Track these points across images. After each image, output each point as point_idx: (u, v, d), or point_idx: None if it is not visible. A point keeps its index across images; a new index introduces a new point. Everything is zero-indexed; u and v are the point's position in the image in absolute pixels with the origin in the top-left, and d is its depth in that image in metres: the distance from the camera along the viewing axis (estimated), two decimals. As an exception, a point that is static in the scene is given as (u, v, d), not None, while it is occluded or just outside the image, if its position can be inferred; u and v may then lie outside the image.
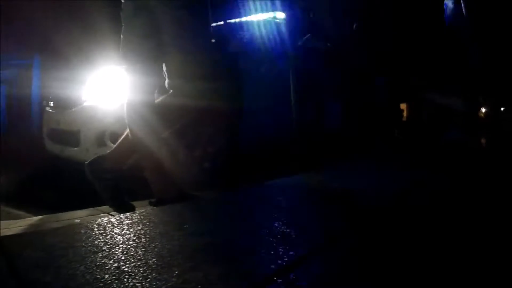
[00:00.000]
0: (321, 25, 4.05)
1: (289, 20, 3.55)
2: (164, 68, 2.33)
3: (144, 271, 1.15)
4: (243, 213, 1.94)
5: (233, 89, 2.97)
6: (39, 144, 4.13)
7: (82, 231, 1.54)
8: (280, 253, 1.30)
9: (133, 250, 1.32)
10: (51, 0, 6.18)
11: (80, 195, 2.57)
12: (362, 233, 1.57)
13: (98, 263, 1.21)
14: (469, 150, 3.50)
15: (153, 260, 1.24)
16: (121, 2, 2.33)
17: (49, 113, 4.02)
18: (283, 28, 3.54)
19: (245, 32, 3.50)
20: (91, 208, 2.50)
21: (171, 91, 2.31)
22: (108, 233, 1.51)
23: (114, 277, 1.11)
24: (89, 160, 2.36)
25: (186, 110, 2.31)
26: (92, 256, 1.27)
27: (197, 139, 3.06)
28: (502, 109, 3.76)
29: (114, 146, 2.50)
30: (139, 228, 1.58)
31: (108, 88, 3.42)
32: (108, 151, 2.47)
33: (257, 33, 3.48)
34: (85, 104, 3.54)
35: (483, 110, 3.71)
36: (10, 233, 1.98)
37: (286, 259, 1.24)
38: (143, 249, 1.33)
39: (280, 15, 3.62)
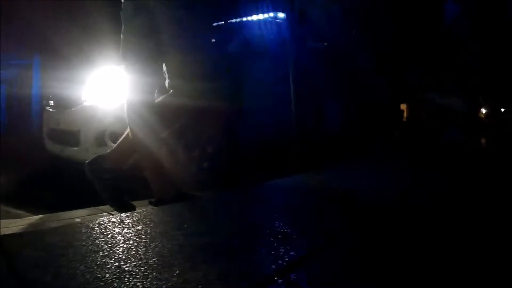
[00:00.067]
0: (321, 25, 4.06)
1: (289, 20, 3.55)
2: (164, 68, 2.33)
3: (145, 270, 1.15)
4: (243, 213, 1.94)
5: (233, 89, 2.97)
6: (39, 143, 4.13)
7: (83, 230, 1.54)
8: (281, 253, 1.30)
9: (133, 249, 1.33)
10: (51, 0, 6.19)
11: (80, 194, 2.57)
12: (362, 233, 1.57)
13: (98, 262, 1.22)
14: (469, 150, 3.50)
15: (153, 259, 1.24)
16: (121, 2, 2.33)
17: (49, 113, 4.03)
18: (284, 28, 3.54)
19: (245, 32, 3.50)
20: (92, 208, 2.50)
21: (171, 91, 2.31)
22: (108, 232, 1.51)
23: (115, 277, 1.12)
24: (89, 160, 2.36)
25: (186, 110, 2.32)
26: (93, 255, 1.27)
27: (197, 139, 3.06)
28: (502, 109, 3.76)
29: (114, 145, 2.50)
30: (139, 227, 1.58)
31: (108, 88, 3.42)
32: (108, 151, 2.47)
33: (257, 33, 3.48)
34: (85, 103, 3.54)
35: (483, 110, 3.72)
36: (10, 232, 1.98)
37: (287, 259, 1.24)
38: (144, 249, 1.33)
39: (282, 16, 3.62)
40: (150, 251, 1.31)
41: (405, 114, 4.54)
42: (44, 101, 4.27)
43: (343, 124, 4.10)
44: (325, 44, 4.17)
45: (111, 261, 1.23)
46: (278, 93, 3.41)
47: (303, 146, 3.23)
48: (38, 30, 6.26)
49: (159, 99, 2.33)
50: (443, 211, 1.88)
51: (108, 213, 2.33)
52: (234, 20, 3.61)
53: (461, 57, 3.71)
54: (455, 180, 2.60)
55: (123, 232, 1.52)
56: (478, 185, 2.42)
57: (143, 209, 2.04)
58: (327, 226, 1.68)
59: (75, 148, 3.46)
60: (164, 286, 1.06)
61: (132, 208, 2.24)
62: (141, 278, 1.11)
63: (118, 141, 2.43)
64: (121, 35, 2.33)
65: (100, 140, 3.29)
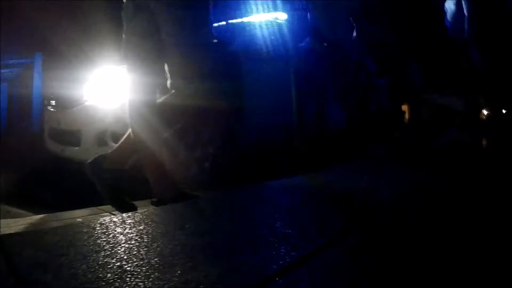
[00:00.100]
0: (322, 26, 4.05)
1: (291, 21, 3.55)
2: (166, 68, 2.33)
3: (147, 270, 1.16)
4: (244, 213, 1.94)
5: (234, 89, 2.97)
6: (40, 143, 4.12)
7: (84, 230, 1.54)
8: (282, 253, 1.30)
9: (135, 249, 1.33)
10: (52, -1, 6.20)
11: (81, 194, 2.57)
12: (363, 234, 1.57)
13: (100, 262, 1.22)
14: (471, 152, 3.50)
15: (155, 259, 1.24)
16: (122, 1, 2.33)
17: (50, 112, 4.03)
18: (285, 29, 3.54)
19: (247, 32, 3.50)
20: (93, 208, 2.51)
21: (173, 91, 2.31)
22: (110, 232, 1.51)
23: (116, 276, 1.12)
24: (90, 160, 2.36)
25: (187, 110, 2.32)
26: (94, 255, 1.27)
27: (198, 139, 3.06)
28: (504, 111, 3.76)
29: (115, 145, 2.50)
30: (141, 227, 1.58)
31: (109, 88, 3.42)
32: (109, 151, 2.47)
33: (259, 33, 3.48)
34: (86, 103, 3.54)
35: (485, 112, 3.71)
36: (11, 231, 1.98)
37: (288, 259, 1.24)
38: (145, 249, 1.33)
39: (282, 16, 3.62)
40: (151, 251, 1.32)
41: (406, 116, 4.53)
42: (45, 101, 4.27)
43: (344, 125, 4.09)
44: (326, 44, 4.17)
45: (113, 261, 1.23)
46: (280, 94, 3.41)
47: (304, 147, 3.23)
48: (40, 29, 6.27)
49: (161, 99, 2.33)
50: (445, 212, 1.87)
51: (110, 213, 2.33)
52: (235, 21, 3.61)
53: (464, 58, 3.71)
54: (457, 181, 2.59)
55: (125, 232, 1.52)
56: (480, 186, 2.42)
57: (144, 209, 2.04)
58: (328, 226, 1.68)
59: (76, 148, 3.47)
60: (165, 286, 1.06)
61: (133, 208, 2.24)
62: (142, 278, 1.11)
63: (120, 141, 2.43)
64: (123, 35, 2.33)
65: (101, 140, 3.29)
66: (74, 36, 5.23)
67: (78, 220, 2.21)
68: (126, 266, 1.18)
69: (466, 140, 3.80)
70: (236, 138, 3.19)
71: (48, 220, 2.35)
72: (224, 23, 3.61)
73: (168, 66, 2.32)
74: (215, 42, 2.56)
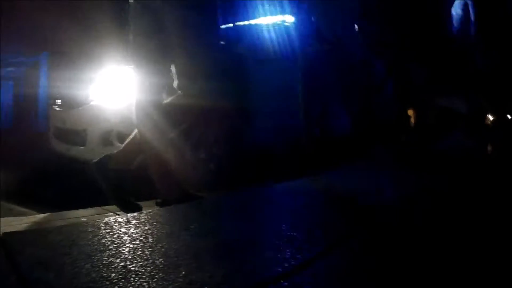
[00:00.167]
0: (328, 29, 4.05)
1: (298, 23, 3.55)
2: (173, 68, 2.33)
3: (151, 270, 1.15)
4: (249, 214, 1.93)
5: (240, 90, 2.97)
6: (45, 142, 4.13)
7: (88, 230, 1.54)
8: (287, 255, 1.29)
9: (140, 249, 1.32)
10: (59, -1, 6.21)
11: (86, 194, 2.57)
12: (368, 236, 1.56)
13: (104, 262, 1.21)
14: (476, 156, 3.49)
15: (160, 259, 1.23)
16: (128, 1, 2.34)
17: (56, 112, 4.04)
18: (292, 32, 3.53)
19: (254, 34, 3.50)
20: (97, 207, 2.50)
21: (179, 91, 2.31)
22: (114, 232, 1.51)
23: (121, 276, 1.11)
24: (96, 160, 2.36)
25: (194, 111, 2.31)
26: (99, 255, 1.27)
27: (203, 140, 3.06)
28: (509, 116, 3.74)
29: (121, 146, 2.50)
30: (146, 228, 1.57)
31: (114, 88, 3.43)
32: (115, 151, 2.47)
33: (266, 35, 3.48)
34: (92, 103, 3.55)
35: (490, 116, 3.70)
36: (14, 230, 1.97)
37: (293, 262, 1.24)
38: (150, 249, 1.33)
39: (290, 19, 3.62)
40: (156, 251, 1.31)
41: (412, 120, 4.52)
42: (51, 100, 4.28)
43: (350, 127, 4.08)
44: (332, 46, 4.16)
45: (117, 260, 1.22)
46: (285, 96, 3.41)
47: (310, 149, 3.22)
48: (46, 29, 6.29)
49: (167, 99, 2.33)
50: (449, 215, 1.86)
51: (114, 213, 2.33)
52: (242, 22, 3.61)
53: (468, 60, 3.70)
54: (462, 185, 2.58)
55: (130, 232, 1.51)
56: (484, 190, 2.40)
57: (149, 209, 2.04)
58: (333, 228, 1.67)
59: (81, 148, 3.47)
60: (170, 287, 1.06)
61: (138, 209, 2.23)
62: (147, 278, 1.10)
63: (125, 141, 2.44)
64: (129, 35, 2.33)
65: (107, 140, 3.30)
66: (80, 35, 5.25)
67: (82, 219, 2.21)
68: (130, 266, 1.18)
69: (471, 144, 3.78)
70: (242, 139, 3.19)
71: (52, 219, 2.35)
72: (231, 25, 3.61)
73: (175, 66, 2.32)
74: (222, 44, 2.56)
